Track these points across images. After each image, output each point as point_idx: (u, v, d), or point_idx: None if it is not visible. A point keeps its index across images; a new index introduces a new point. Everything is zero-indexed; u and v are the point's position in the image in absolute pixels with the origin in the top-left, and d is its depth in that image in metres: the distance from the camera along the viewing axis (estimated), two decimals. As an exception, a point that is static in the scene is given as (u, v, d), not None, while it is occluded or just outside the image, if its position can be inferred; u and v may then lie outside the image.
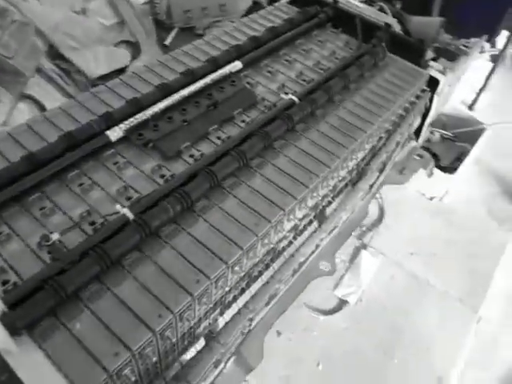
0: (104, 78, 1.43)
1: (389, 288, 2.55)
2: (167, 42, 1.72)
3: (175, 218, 0.85)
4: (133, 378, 0.74)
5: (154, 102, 1.03)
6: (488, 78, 1.84)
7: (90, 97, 1.07)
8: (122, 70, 1.49)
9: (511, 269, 2.76)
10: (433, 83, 1.32)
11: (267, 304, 0.95)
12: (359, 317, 2.39)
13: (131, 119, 0.98)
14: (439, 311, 2.57)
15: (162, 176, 0.93)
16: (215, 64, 1.15)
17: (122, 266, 0.79)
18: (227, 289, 0.88)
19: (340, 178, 1.11)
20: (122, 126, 0.97)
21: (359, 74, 1.22)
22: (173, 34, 1.74)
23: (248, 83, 1.17)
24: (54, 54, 1.31)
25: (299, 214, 1.00)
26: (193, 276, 0.78)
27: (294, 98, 1.10)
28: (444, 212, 3.06)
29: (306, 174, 0.98)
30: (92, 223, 0.84)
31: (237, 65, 1.16)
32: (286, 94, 1.13)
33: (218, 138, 1.03)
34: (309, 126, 1.09)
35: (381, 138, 1.20)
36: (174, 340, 0.79)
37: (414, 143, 1.41)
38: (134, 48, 1.55)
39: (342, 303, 1.06)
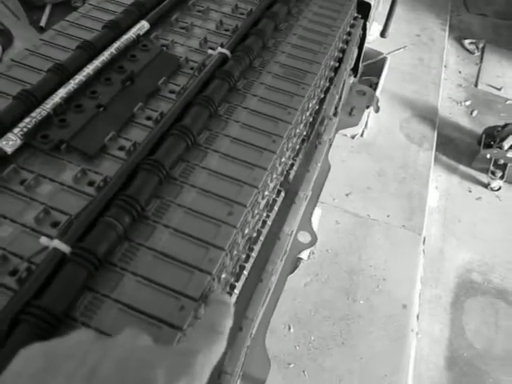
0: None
1: (336, 233, 2.56)
2: (42, 22, 1.41)
3: (126, 232, 0.63)
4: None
5: (52, 91, 0.78)
6: (393, 5, 1.75)
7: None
8: (-7, 67, 1.18)
9: (438, 185, 2.87)
10: (363, 9, 1.18)
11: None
12: (315, 270, 2.37)
13: (27, 119, 0.72)
14: (386, 242, 2.63)
15: (91, 183, 0.70)
16: (116, 29, 0.90)
17: (73, 320, 0.56)
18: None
19: (299, 134, 0.94)
20: (16, 130, 0.71)
21: (287, 11, 1.04)
22: (47, 11, 1.43)
23: (163, 46, 0.94)
24: None
25: (270, 186, 0.82)
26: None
27: (224, 51, 0.89)
28: (367, 146, 3.10)
29: (267, 138, 0.80)
30: (13, 272, 0.60)
31: (144, 25, 0.92)
32: (212, 49, 0.92)
33: (148, 118, 0.80)
34: (251, 81, 0.90)
35: (331, 78, 1.04)
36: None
37: (352, 79, 1.27)
38: (3, 36, 1.24)
39: (296, 261, 0.94)
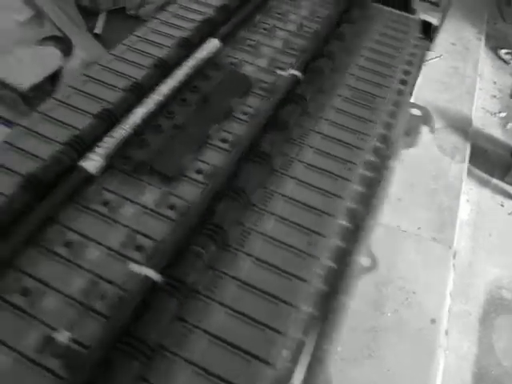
0: (36, 88, 1.13)
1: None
2: (98, 30, 1.41)
3: (212, 261, 0.63)
4: None
5: (129, 109, 0.78)
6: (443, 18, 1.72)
7: (39, 119, 0.80)
8: (54, 75, 1.19)
9: (470, 198, 2.82)
10: (425, 28, 1.16)
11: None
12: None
13: (108, 139, 0.73)
14: (417, 254, 2.59)
15: (171, 207, 0.70)
16: (188, 47, 0.90)
17: (165, 350, 0.56)
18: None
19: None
20: (98, 150, 0.71)
21: (353, 31, 1.03)
22: (102, 18, 1.44)
23: (231, 63, 0.94)
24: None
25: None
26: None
27: (295, 72, 0.89)
28: (400, 157, 3.05)
29: (341, 165, 0.79)
30: (102, 297, 0.60)
31: (215, 43, 0.92)
32: (282, 69, 0.91)
33: (223, 140, 0.80)
34: (320, 104, 0.89)
35: (396, 102, 1.02)
36: None
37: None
38: (62, 44, 1.24)
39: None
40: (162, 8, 1.00)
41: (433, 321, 2.44)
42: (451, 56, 3.75)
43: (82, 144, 0.71)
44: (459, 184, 3.13)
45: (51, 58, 1.16)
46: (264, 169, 0.73)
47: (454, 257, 2.70)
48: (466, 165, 3.21)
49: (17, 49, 1.12)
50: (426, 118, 1.24)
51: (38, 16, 1.25)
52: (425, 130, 1.31)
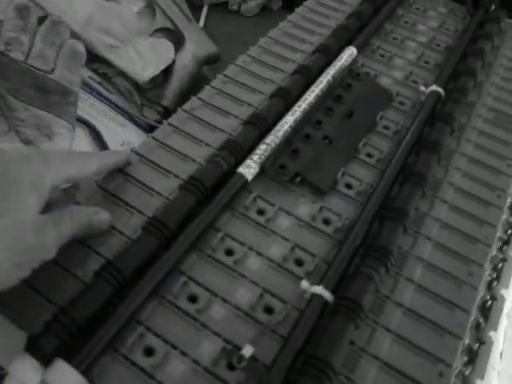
0: (151, 80, 1.13)
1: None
2: (201, 23, 1.41)
3: (379, 284, 0.62)
4: None
5: (278, 117, 0.77)
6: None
7: (185, 117, 0.79)
8: (166, 68, 1.19)
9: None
10: None
11: None
12: None
13: (262, 146, 0.72)
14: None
15: (326, 221, 0.69)
16: (328, 54, 0.88)
17: (337, 373, 0.55)
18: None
19: None
20: (255, 157, 0.70)
21: (491, 47, 0.99)
22: (204, 12, 1.43)
23: (367, 73, 0.91)
24: (89, 57, 1.00)
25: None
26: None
27: (438, 89, 0.86)
28: None
29: (490, 191, 0.76)
30: (269, 310, 0.59)
31: (353, 51, 0.90)
32: (424, 85, 0.88)
33: (369, 155, 0.78)
34: (462, 124, 0.86)
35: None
36: None
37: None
38: (174, 36, 1.24)
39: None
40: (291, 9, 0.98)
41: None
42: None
43: (240, 149, 0.70)
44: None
45: (166, 50, 1.16)
46: (418, 189, 0.71)
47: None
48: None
49: (135, 40, 1.12)
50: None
51: (150, 6, 1.25)
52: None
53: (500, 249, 0.74)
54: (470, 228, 0.71)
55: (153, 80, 1.13)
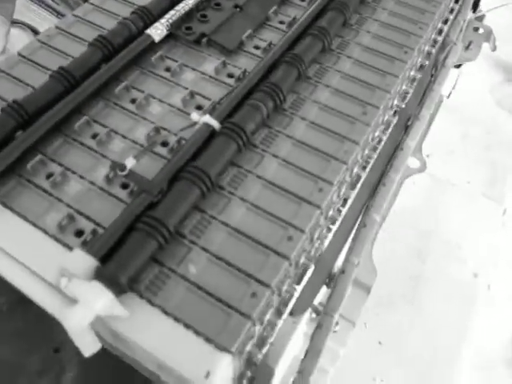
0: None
1: (412, 194, 2.49)
2: None
3: (268, 118, 0.66)
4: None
5: (193, -11, 0.80)
6: None
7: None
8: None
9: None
10: None
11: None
12: (387, 227, 2.30)
13: (172, 12, 0.76)
14: (464, 208, 2.54)
15: (230, 75, 0.73)
16: None
17: (221, 188, 0.60)
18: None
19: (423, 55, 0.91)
20: (162, 21, 0.75)
21: None
22: None
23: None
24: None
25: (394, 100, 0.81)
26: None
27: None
28: (454, 109, 2.95)
29: (398, 49, 0.79)
30: (164, 144, 0.64)
31: None
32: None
33: (281, 22, 0.81)
34: (364, 17, 0.85)
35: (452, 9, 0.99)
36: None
37: (470, 15, 1.21)
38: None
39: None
40: None
41: (475, 275, 2.40)
42: (520, 6, 3.53)
43: (149, 14, 0.74)
44: (516, 140, 2.99)
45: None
46: (320, 45, 0.74)
47: (504, 214, 2.63)
48: (524, 121, 3.05)
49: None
50: (487, 35, 1.20)
51: None
52: (485, 45, 1.26)
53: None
54: (372, 79, 0.73)
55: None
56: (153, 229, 0.52)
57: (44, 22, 1.04)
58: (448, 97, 3.12)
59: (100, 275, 0.49)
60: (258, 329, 0.54)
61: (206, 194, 0.57)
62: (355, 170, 0.68)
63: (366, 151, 0.73)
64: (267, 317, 0.54)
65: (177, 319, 0.50)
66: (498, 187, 2.56)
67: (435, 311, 2.08)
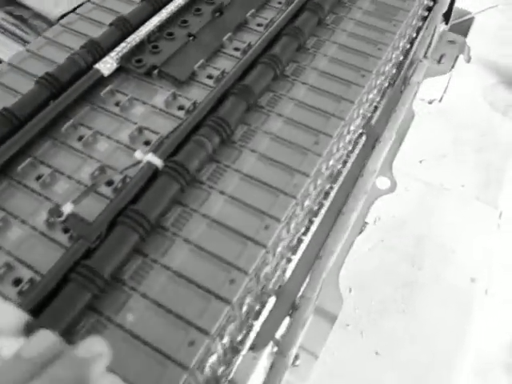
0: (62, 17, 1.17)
1: (405, 200, 2.48)
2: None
3: (214, 153, 0.65)
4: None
5: (145, 19, 0.79)
6: None
7: (60, 30, 0.83)
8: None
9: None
10: None
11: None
12: (381, 235, 2.31)
13: (122, 44, 0.75)
14: (459, 213, 2.51)
15: (181, 107, 0.72)
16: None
17: (164, 229, 0.59)
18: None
19: (386, 74, 0.90)
20: (112, 54, 0.74)
21: None
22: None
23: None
24: (2, 1, 1.04)
25: (355, 123, 0.80)
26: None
27: (313, -18, 0.86)
28: (446, 112, 2.93)
29: (355, 73, 0.77)
30: (109, 183, 0.63)
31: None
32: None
33: (236, 48, 0.80)
34: (340, 17, 0.86)
35: (424, 17, 0.98)
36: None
37: (443, 27, 1.19)
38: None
39: (362, 225, 0.89)
40: None
41: (472, 280, 2.37)
42: (509, 7, 3.50)
43: (99, 48, 0.73)
44: (510, 143, 2.97)
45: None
46: (271, 73, 0.73)
47: (500, 217, 2.59)
48: (518, 123, 3.02)
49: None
50: (461, 47, 1.18)
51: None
52: (461, 58, 1.24)
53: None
54: (326, 105, 0.72)
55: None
56: (87, 280, 0.51)
57: (11, 52, 1.03)
58: (440, 100, 3.11)
59: (31, 331, 0.48)
60: (200, 376, 0.52)
61: (145, 238, 0.56)
62: (306, 202, 0.67)
63: (322, 180, 0.71)
64: (208, 363, 0.53)
65: (113, 371, 0.48)
66: (492, 190, 2.53)
67: (432, 317, 2.06)
